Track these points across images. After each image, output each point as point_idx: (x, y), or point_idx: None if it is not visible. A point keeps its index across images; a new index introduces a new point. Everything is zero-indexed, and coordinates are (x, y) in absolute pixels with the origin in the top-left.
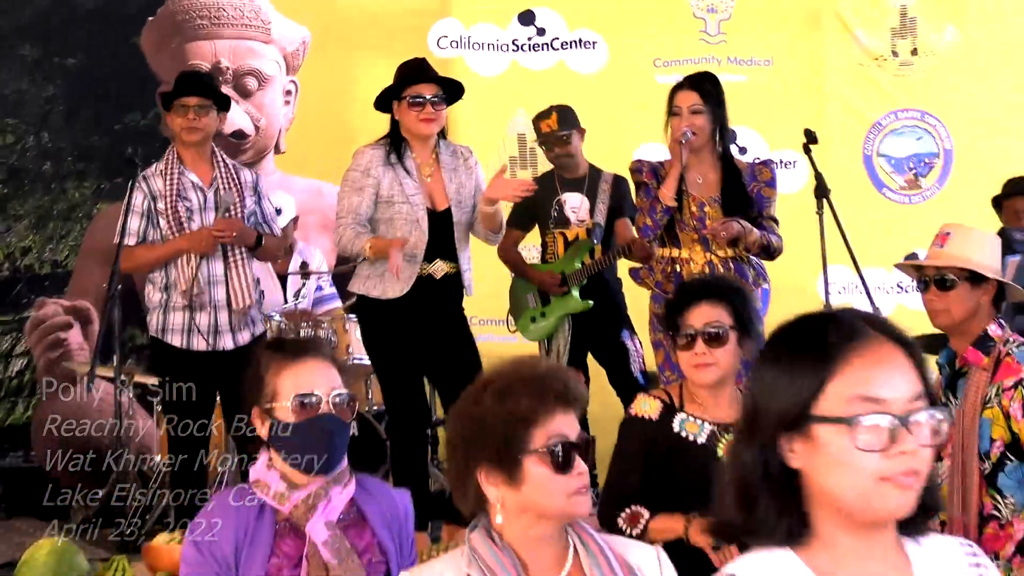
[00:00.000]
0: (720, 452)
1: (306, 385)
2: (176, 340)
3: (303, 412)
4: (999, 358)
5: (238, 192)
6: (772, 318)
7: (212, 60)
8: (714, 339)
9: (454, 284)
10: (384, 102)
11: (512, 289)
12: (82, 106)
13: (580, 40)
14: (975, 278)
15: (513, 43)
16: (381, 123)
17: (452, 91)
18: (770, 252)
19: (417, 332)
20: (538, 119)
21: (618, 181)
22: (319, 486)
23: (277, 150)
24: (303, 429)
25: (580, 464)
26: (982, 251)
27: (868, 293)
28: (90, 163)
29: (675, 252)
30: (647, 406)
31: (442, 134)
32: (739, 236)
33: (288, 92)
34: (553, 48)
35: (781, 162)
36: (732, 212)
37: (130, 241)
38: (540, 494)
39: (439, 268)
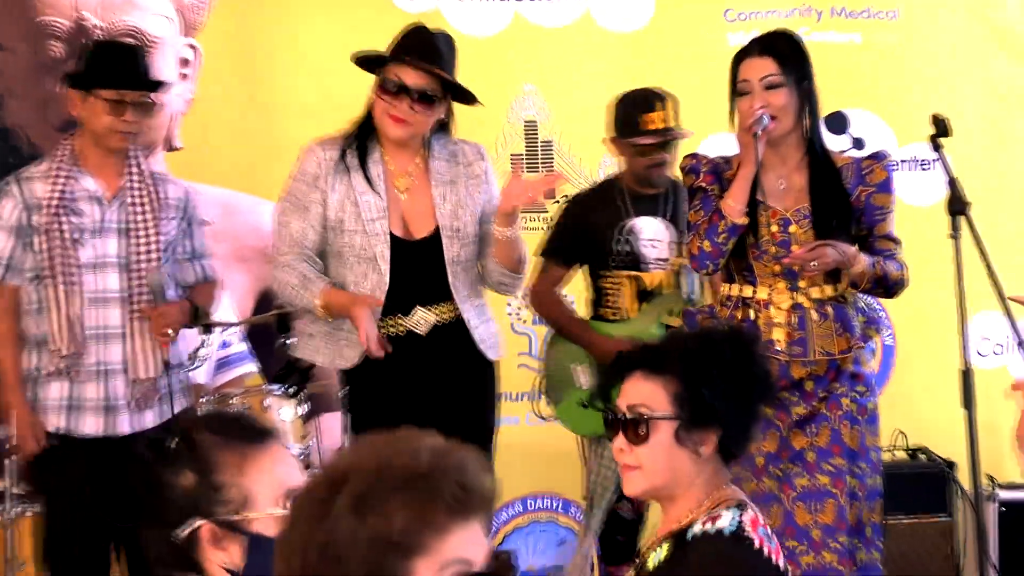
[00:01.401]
0: None
1: (287, 479)
2: (53, 421)
3: None
4: None
5: (151, 210)
6: (896, 387)
7: (72, 14)
8: (635, 429)
9: (456, 338)
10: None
11: (551, 355)
12: None
13: None
14: None
15: None
16: (324, 108)
17: (458, 95)
18: (888, 287)
19: (405, 409)
20: (635, 109)
21: None
22: None
23: (169, 146)
24: None
25: None
26: None
27: None
28: None
29: (747, 291)
30: None
31: (443, 126)
32: (839, 266)
33: (185, 61)
34: None
35: (915, 161)
36: (829, 231)
37: None
38: None
39: (420, 320)
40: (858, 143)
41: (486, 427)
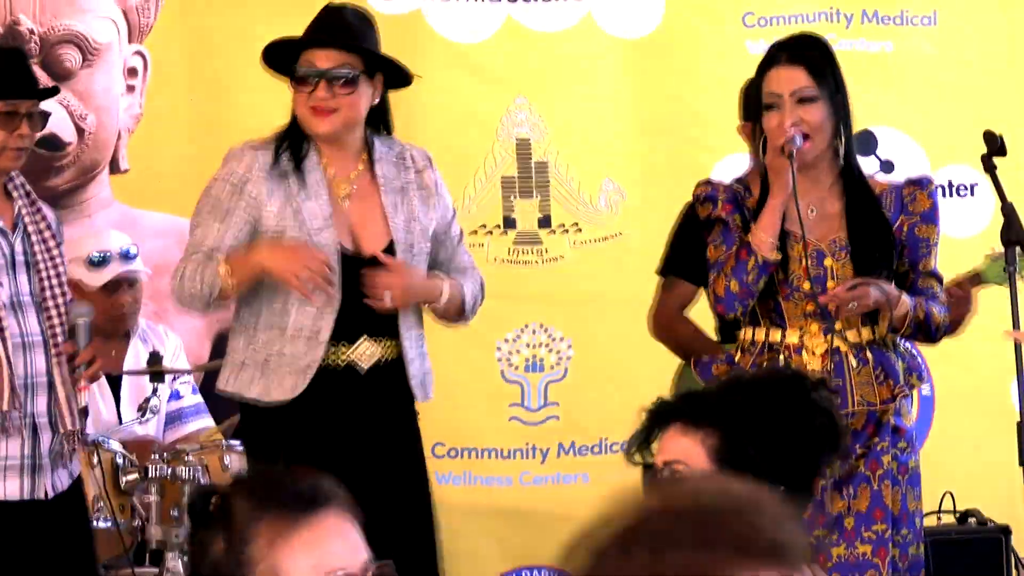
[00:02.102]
0: None
1: (332, 559)
2: None
3: None
4: None
5: (51, 238)
6: (938, 441)
7: (3, 18)
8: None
9: (394, 379)
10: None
11: (680, 382)
12: None
13: None
14: None
15: None
16: (282, 119)
17: (384, 67)
18: (930, 332)
19: (327, 461)
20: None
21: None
22: None
23: (115, 168)
24: None
25: None
26: None
27: None
28: None
29: (775, 334)
30: None
31: (383, 124)
32: (880, 308)
33: (132, 71)
34: None
35: (951, 185)
36: (870, 265)
37: None
38: None
39: (365, 352)
40: (887, 166)
41: (423, 482)
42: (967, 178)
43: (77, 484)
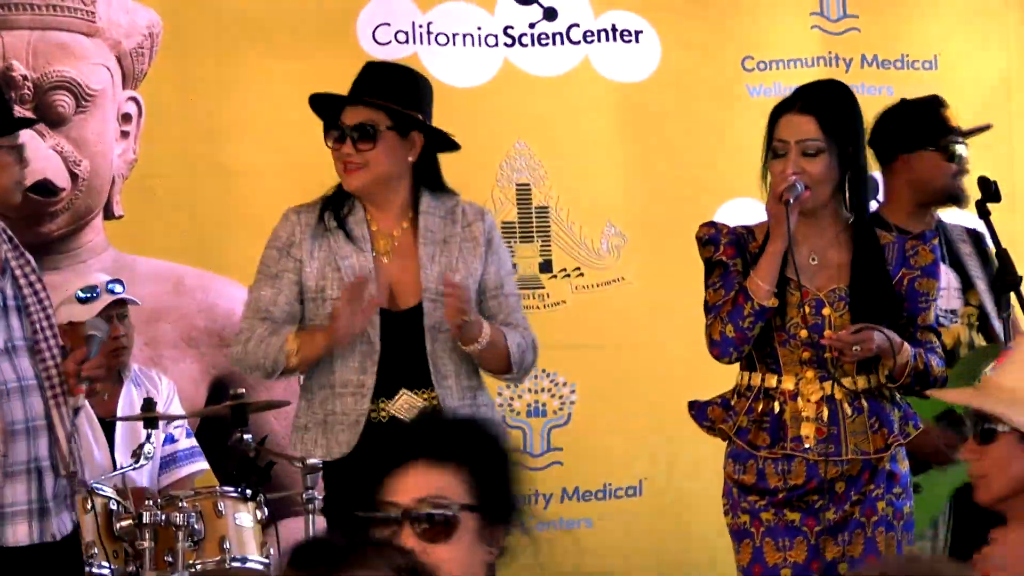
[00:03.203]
0: None
1: None
2: None
3: None
4: None
5: (38, 280)
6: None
7: None
8: (431, 527)
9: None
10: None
11: None
12: None
13: (615, 29)
14: None
15: (506, 33)
16: (285, 170)
17: (429, 135)
18: (928, 384)
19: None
20: (933, 107)
21: (977, 238)
22: None
23: (109, 214)
24: None
25: None
26: None
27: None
28: None
29: (771, 380)
30: None
31: (434, 181)
32: (882, 355)
33: (127, 117)
34: (572, 41)
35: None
36: (868, 317)
37: None
38: None
39: (404, 405)
40: None
41: None
42: (971, 223)
43: (77, 528)
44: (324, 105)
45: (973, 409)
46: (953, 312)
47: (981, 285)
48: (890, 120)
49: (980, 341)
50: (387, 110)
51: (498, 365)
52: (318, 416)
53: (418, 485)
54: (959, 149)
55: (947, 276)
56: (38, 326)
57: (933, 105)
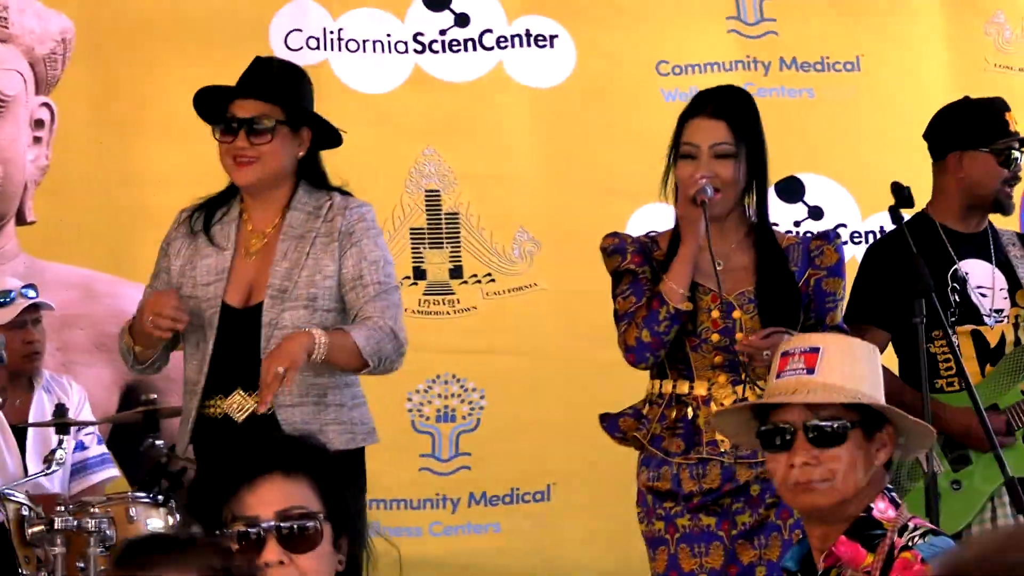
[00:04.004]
0: None
1: None
2: None
3: None
4: (890, 554)
5: None
6: None
7: None
8: (297, 538)
9: (269, 431)
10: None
11: None
12: None
13: (529, 34)
14: (872, 422)
15: (416, 40)
16: (196, 176)
17: (307, 116)
18: None
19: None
20: (993, 108)
21: None
22: None
23: (21, 219)
24: None
25: None
26: (872, 375)
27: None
28: None
29: (683, 386)
30: None
31: (316, 177)
32: None
33: (39, 123)
34: (485, 47)
35: (883, 231)
36: (776, 320)
37: None
38: None
39: (236, 404)
40: (815, 212)
41: None
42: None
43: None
44: (208, 100)
45: None
46: (1000, 312)
47: None
48: (949, 116)
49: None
50: (281, 104)
51: (351, 363)
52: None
53: (276, 498)
54: (1015, 155)
55: (995, 277)
56: None
57: (996, 106)
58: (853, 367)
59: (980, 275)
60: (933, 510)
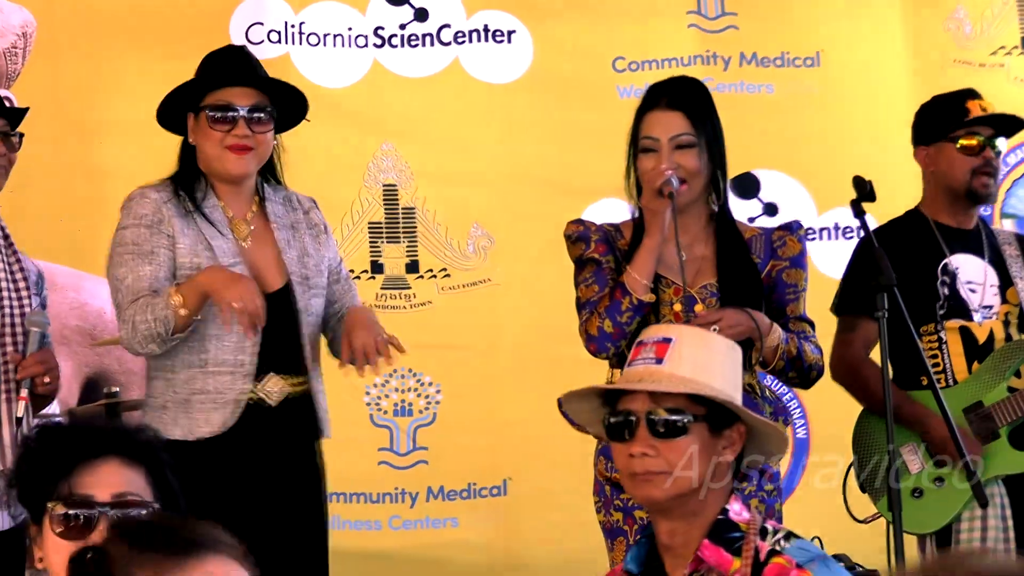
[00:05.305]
0: None
1: None
2: None
3: None
4: (759, 560)
5: (25, 291)
6: (807, 485)
7: None
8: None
9: (302, 415)
10: (172, 113)
11: (865, 437)
12: None
13: (487, 29)
14: (719, 418)
15: (376, 34)
16: (157, 171)
17: (289, 103)
18: (802, 370)
19: (239, 495)
20: (956, 99)
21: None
22: None
23: None
24: None
25: None
26: (726, 371)
27: (968, 467)
28: None
29: None
30: None
31: (270, 173)
32: (751, 336)
33: None
34: (442, 42)
35: (837, 228)
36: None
37: None
38: None
39: (274, 388)
40: (770, 208)
41: (321, 519)
42: (853, 221)
43: (18, 527)
44: (187, 92)
45: None
46: (989, 308)
47: (1021, 284)
48: (918, 113)
49: (1020, 337)
50: (271, 94)
51: None
52: (180, 396)
53: (113, 481)
54: (982, 142)
55: (986, 273)
56: (7, 319)
57: (959, 96)
58: (706, 360)
59: (971, 270)
60: (896, 520)
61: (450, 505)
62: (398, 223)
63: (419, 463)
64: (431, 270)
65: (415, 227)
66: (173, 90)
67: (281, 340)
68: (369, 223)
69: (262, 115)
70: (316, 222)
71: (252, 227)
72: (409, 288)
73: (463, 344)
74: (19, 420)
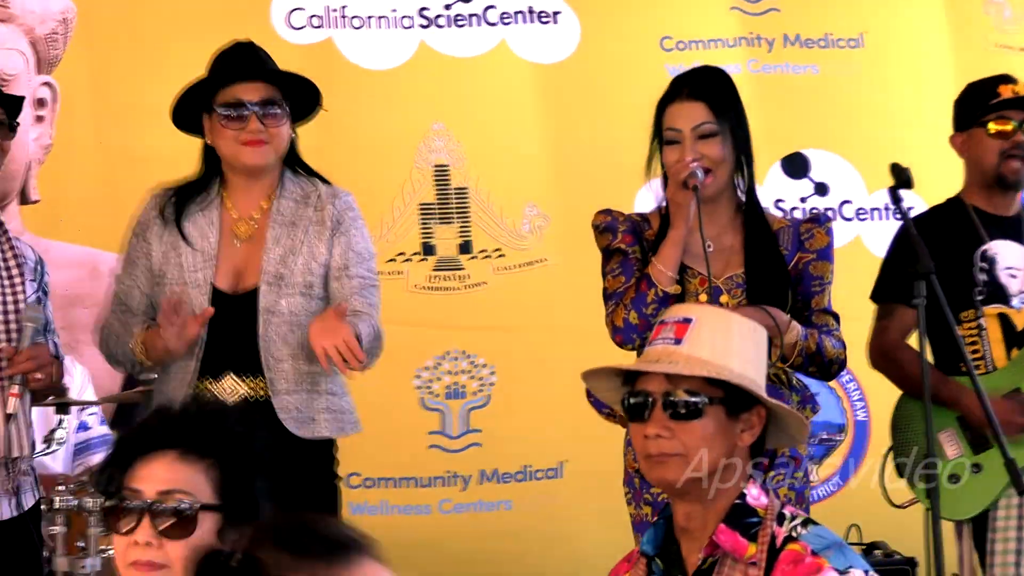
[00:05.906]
0: None
1: None
2: None
3: None
4: (773, 544)
5: (19, 279)
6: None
7: None
8: (169, 523)
9: (264, 416)
10: (189, 115)
11: (904, 422)
12: None
13: (532, 10)
14: (738, 401)
15: (422, 15)
16: (197, 155)
17: (301, 94)
18: (823, 364)
19: None
20: (988, 84)
21: None
22: None
23: (25, 199)
24: None
25: None
26: (746, 353)
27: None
28: None
29: None
30: None
31: (297, 164)
32: (769, 331)
33: (41, 102)
34: (489, 23)
35: (887, 208)
36: (763, 301)
37: None
38: None
39: (228, 389)
40: (821, 188)
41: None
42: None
43: (26, 514)
44: (199, 92)
45: None
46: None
47: None
48: (956, 101)
49: None
50: (282, 87)
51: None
52: (162, 398)
53: (163, 477)
54: (1008, 127)
55: None
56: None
57: (993, 81)
58: (726, 342)
59: (1010, 256)
60: (934, 508)
61: (503, 488)
62: (450, 203)
63: (472, 446)
64: (485, 250)
65: (468, 207)
66: (182, 92)
67: (238, 341)
68: (420, 204)
69: (273, 108)
70: (325, 217)
71: (256, 226)
72: (462, 269)
73: (517, 325)
74: (9, 416)
